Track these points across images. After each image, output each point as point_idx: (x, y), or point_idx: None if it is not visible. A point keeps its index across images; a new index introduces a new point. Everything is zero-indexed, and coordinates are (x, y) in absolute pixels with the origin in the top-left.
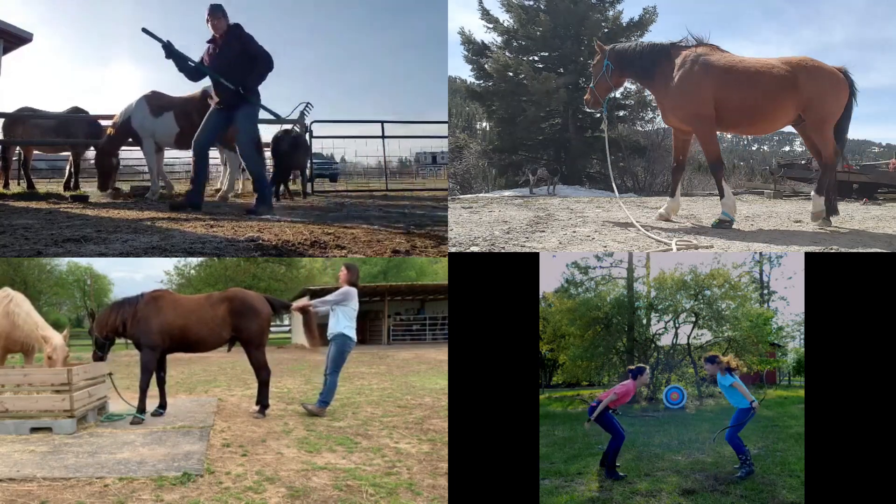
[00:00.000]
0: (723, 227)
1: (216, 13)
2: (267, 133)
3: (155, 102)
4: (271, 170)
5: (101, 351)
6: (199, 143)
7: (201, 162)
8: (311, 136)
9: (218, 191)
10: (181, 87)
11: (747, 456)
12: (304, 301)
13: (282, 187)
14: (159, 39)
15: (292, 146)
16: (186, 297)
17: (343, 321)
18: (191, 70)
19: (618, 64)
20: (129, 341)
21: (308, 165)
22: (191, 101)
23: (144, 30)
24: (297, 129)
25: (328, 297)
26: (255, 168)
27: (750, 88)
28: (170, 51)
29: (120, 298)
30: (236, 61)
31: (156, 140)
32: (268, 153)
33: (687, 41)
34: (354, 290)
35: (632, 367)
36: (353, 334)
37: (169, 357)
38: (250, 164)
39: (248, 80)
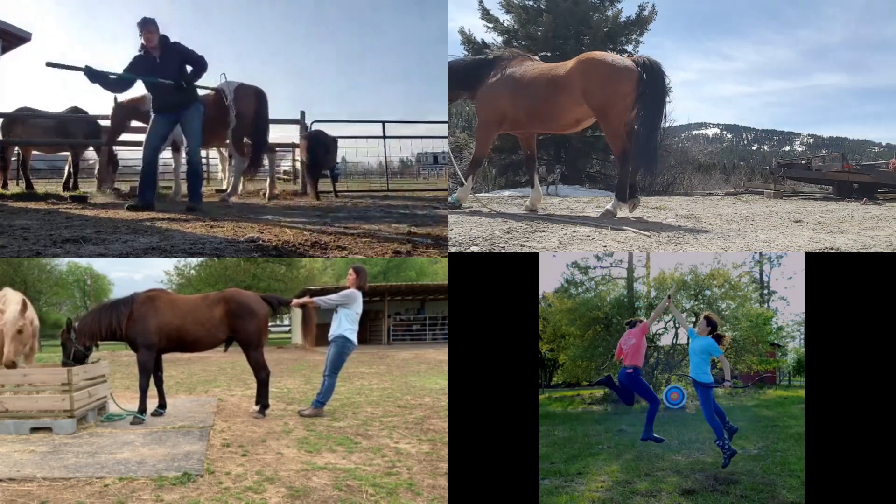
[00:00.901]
0: (452, 207)
1: (150, 26)
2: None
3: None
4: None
5: (79, 363)
6: (149, 149)
7: (151, 165)
8: None
9: (220, 191)
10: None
11: (725, 441)
12: (304, 298)
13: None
14: (76, 68)
15: (325, 147)
16: (182, 297)
17: (345, 323)
18: (115, 84)
19: (450, 80)
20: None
21: (335, 166)
22: (206, 98)
23: (51, 63)
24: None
25: (331, 297)
26: (197, 168)
27: (530, 93)
28: (92, 74)
29: (105, 302)
30: (178, 69)
31: (173, 138)
32: (270, 150)
33: (509, 54)
34: (359, 294)
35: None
36: (354, 337)
37: (169, 357)
38: (194, 163)
39: (187, 77)
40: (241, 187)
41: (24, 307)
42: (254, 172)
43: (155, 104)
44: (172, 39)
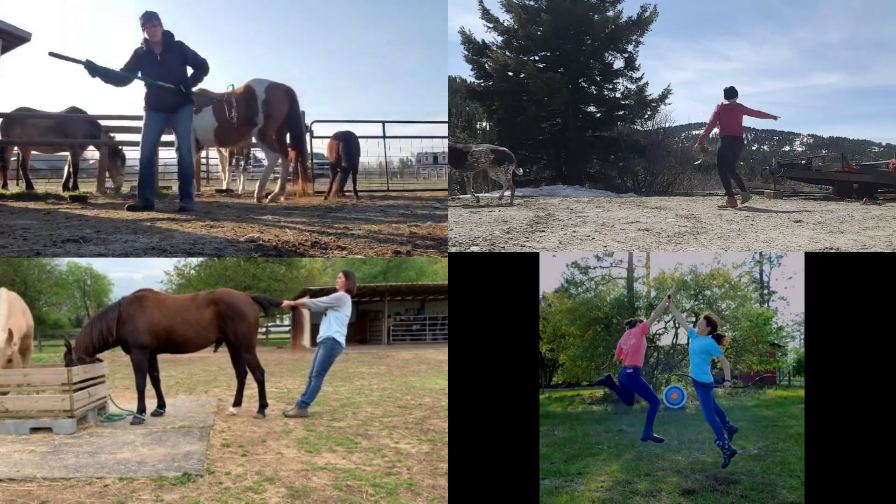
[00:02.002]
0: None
1: (152, 21)
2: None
3: (199, 99)
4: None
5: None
6: (147, 147)
7: (150, 165)
8: (312, 136)
9: (220, 191)
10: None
11: (725, 441)
12: (297, 301)
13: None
14: (77, 61)
15: (357, 148)
16: (172, 297)
17: (335, 326)
18: (116, 80)
19: None
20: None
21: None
22: (229, 96)
23: (53, 54)
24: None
25: (321, 299)
26: (188, 168)
27: None
28: (93, 69)
29: (95, 314)
30: (179, 69)
31: (196, 137)
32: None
33: None
34: (348, 297)
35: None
36: (342, 340)
37: (169, 357)
38: (185, 163)
39: (188, 82)
40: (241, 186)
41: (11, 336)
42: (308, 175)
43: (150, 101)
44: (182, 35)
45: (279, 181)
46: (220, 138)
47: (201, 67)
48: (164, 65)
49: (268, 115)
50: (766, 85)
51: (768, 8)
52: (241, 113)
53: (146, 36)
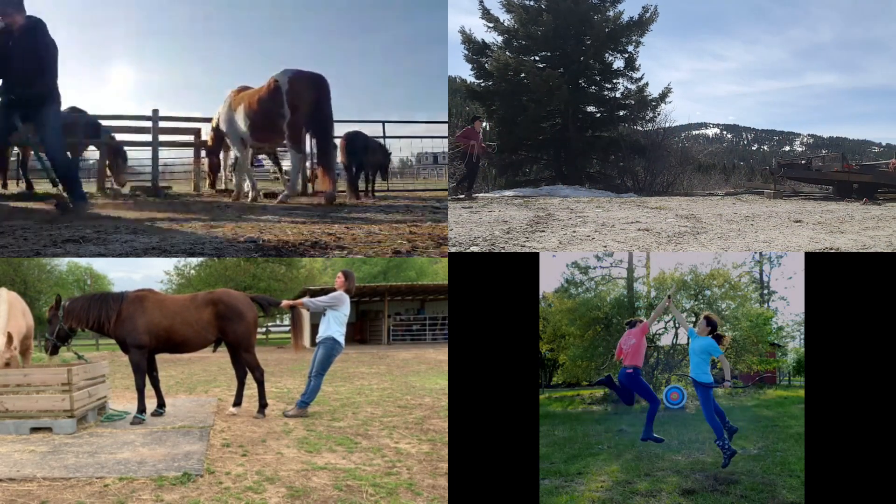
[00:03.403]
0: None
1: (9, 9)
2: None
3: (234, 98)
4: (343, 171)
5: (62, 342)
6: None
7: None
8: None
9: (220, 191)
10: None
11: (725, 441)
12: (295, 300)
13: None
14: None
15: (364, 148)
16: (171, 297)
17: (334, 325)
18: None
19: None
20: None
21: (386, 164)
22: (257, 93)
23: None
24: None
25: (320, 299)
26: (63, 170)
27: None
28: None
29: (98, 293)
30: (30, 59)
31: (240, 136)
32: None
33: None
34: (347, 296)
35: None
36: (342, 339)
37: (169, 357)
38: (60, 161)
39: (47, 83)
40: (247, 187)
41: (10, 340)
42: (329, 172)
43: (3, 94)
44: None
45: (291, 180)
46: (256, 137)
47: (49, 67)
48: (13, 50)
49: (293, 107)
50: (760, 85)
51: (759, 7)
52: (268, 108)
53: (1, 23)
